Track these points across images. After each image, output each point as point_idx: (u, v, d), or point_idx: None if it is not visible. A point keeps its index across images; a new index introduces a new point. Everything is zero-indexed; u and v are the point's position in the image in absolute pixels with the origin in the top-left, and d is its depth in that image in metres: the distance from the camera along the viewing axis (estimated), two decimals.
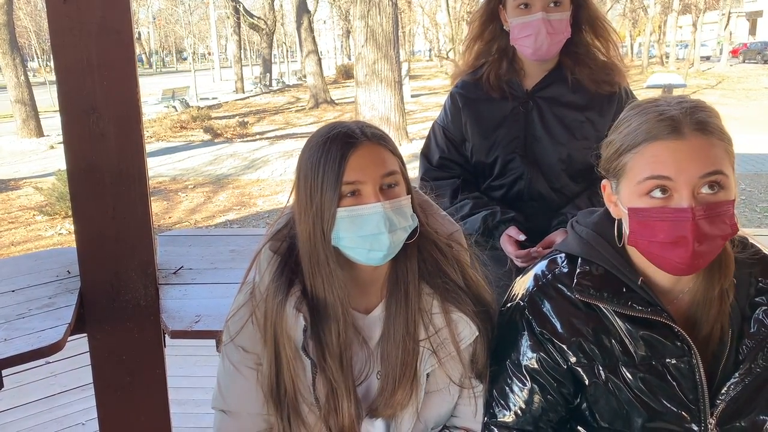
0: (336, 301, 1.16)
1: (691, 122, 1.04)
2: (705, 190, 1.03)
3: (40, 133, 15.72)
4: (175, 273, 2.21)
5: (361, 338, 1.24)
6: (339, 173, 1.10)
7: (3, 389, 1.81)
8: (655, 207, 1.06)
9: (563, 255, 1.23)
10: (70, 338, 1.84)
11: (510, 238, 1.75)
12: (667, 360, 1.13)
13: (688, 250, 1.04)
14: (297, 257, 1.20)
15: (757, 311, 1.14)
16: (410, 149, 12.03)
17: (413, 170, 2.06)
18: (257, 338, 1.21)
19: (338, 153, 1.11)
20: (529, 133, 1.82)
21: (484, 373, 1.27)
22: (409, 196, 1.18)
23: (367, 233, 1.12)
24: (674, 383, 1.13)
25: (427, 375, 1.23)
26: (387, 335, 1.22)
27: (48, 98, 19.17)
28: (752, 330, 1.14)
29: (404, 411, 1.23)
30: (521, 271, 1.61)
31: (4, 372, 1.75)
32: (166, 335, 1.97)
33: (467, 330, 1.22)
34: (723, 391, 1.13)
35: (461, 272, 1.25)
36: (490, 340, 1.26)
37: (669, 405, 1.13)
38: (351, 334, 1.22)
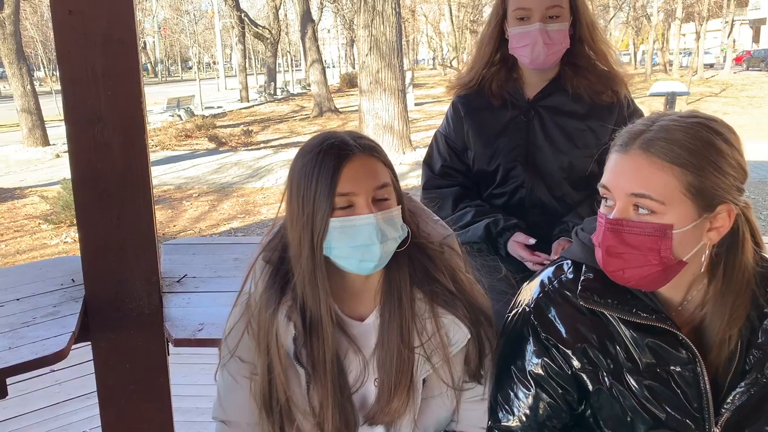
0: (324, 310, 1.17)
1: (642, 139, 1.05)
2: (635, 208, 1.05)
3: (45, 142, 15.79)
4: (178, 281, 2.22)
5: (355, 346, 1.24)
6: (333, 184, 1.11)
7: (8, 398, 1.81)
8: (600, 211, 1.11)
9: (569, 262, 1.24)
10: (74, 346, 1.84)
11: (520, 244, 1.75)
12: (672, 367, 1.12)
13: (600, 257, 1.10)
14: (289, 266, 1.21)
15: (765, 321, 1.13)
16: (414, 157, 12.04)
17: (417, 178, 2.07)
18: (253, 348, 1.22)
19: (332, 164, 1.12)
20: (531, 141, 1.82)
21: (478, 375, 1.27)
22: (400, 206, 1.19)
23: (359, 244, 1.13)
24: (678, 391, 1.12)
25: (423, 381, 1.23)
26: (382, 343, 1.23)
27: (54, 107, 19.29)
28: (760, 340, 1.13)
29: (402, 418, 1.24)
30: (523, 277, 1.62)
31: (9, 380, 1.75)
32: (170, 343, 1.97)
33: (460, 333, 1.22)
34: (728, 401, 1.12)
35: (451, 277, 1.25)
36: (484, 342, 1.26)
37: (673, 413, 1.13)
38: (344, 342, 1.23)
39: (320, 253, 1.15)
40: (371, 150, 1.17)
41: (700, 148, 1.03)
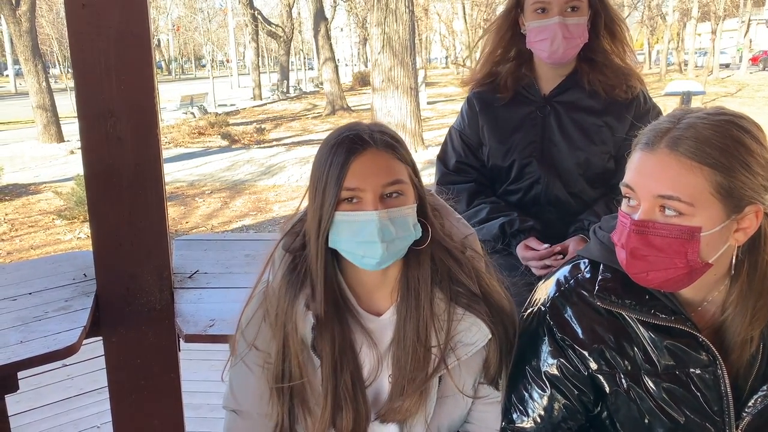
0: (333, 299, 1.18)
1: (669, 138, 1.01)
2: (662, 210, 1.01)
3: (60, 138, 15.92)
4: (190, 277, 2.21)
5: (370, 340, 1.23)
6: (340, 178, 1.12)
7: (19, 392, 1.82)
8: (622, 211, 1.07)
9: (586, 261, 1.21)
10: (87, 341, 1.84)
11: (527, 247, 1.73)
12: (691, 370, 1.10)
13: (623, 259, 1.06)
14: (309, 254, 1.21)
15: None
16: (426, 156, 12.01)
17: (429, 176, 2.05)
18: (269, 336, 1.22)
19: (342, 158, 1.12)
20: (546, 137, 1.80)
21: (497, 379, 1.25)
22: (414, 205, 1.17)
23: (361, 240, 1.12)
24: (698, 394, 1.10)
25: (440, 379, 1.22)
26: (398, 340, 1.22)
27: (69, 104, 19.40)
28: None
29: (414, 417, 1.22)
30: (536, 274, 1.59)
31: (21, 374, 1.75)
32: (181, 339, 1.97)
33: (480, 333, 1.20)
34: (750, 404, 1.10)
35: (477, 278, 1.23)
36: (505, 346, 1.24)
37: (692, 416, 1.10)
38: (360, 335, 1.23)
39: (323, 243, 1.16)
40: (387, 146, 1.15)
41: (729, 147, 0.99)
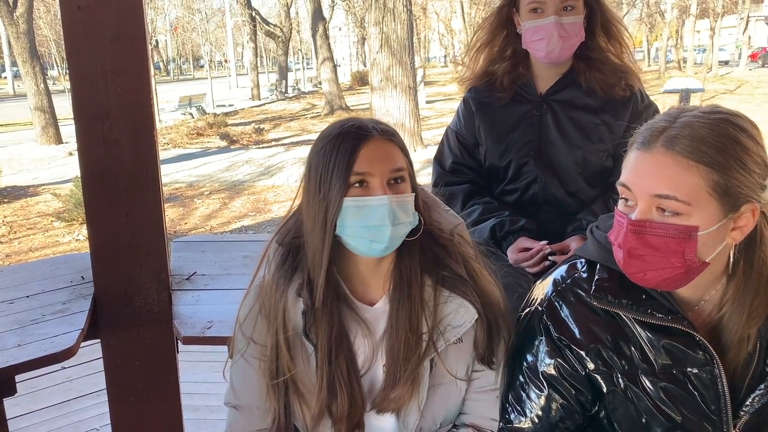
0: (323, 282, 1.19)
1: (665, 137, 1.01)
2: (659, 209, 1.01)
3: (59, 140, 15.91)
4: (188, 279, 2.21)
5: (365, 329, 1.25)
6: (350, 163, 1.14)
7: (18, 395, 1.82)
8: (619, 210, 1.07)
9: (583, 260, 1.21)
10: (86, 343, 1.84)
11: (518, 250, 1.72)
12: (689, 369, 1.10)
13: (620, 259, 1.05)
14: (302, 247, 1.23)
15: None
16: (425, 155, 12.00)
17: (427, 176, 2.05)
18: (264, 328, 1.24)
19: (350, 144, 1.15)
20: (543, 136, 1.80)
21: (489, 360, 1.26)
22: (414, 194, 1.21)
23: (370, 224, 1.15)
24: (696, 393, 1.10)
25: (431, 366, 1.23)
26: (391, 330, 1.24)
27: (67, 106, 19.37)
28: None
29: (408, 406, 1.24)
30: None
31: (20, 377, 1.75)
32: (179, 341, 1.96)
33: (467, 314, 1.22)
34: (747, 403, 1.09)
35: (464, 262, 1.26)
36: (495, 326, 1.25)
37: (690, 415, 1.10)
38: (354, 324, 1.25)
39: (331, 230, 1.17)
40: (390, 135, 1.20)
41: (725, 146, 0.99)
